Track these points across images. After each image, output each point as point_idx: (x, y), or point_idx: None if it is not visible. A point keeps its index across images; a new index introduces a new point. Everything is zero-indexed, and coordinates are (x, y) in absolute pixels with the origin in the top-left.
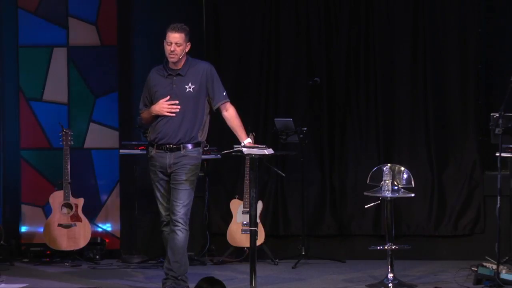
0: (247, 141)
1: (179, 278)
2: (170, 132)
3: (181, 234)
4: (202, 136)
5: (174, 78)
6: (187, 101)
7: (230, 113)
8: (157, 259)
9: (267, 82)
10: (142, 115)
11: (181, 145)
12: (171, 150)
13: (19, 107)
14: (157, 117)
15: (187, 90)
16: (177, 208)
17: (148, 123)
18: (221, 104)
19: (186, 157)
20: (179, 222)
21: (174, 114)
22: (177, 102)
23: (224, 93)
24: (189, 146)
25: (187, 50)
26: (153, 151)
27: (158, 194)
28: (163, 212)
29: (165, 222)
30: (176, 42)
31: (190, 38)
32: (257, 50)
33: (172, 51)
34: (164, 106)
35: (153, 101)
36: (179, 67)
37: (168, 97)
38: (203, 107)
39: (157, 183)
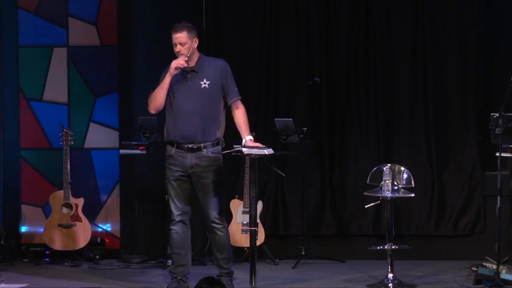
0: (249, 137)
1: (185, 275)
2: (190, 133)
3: (220, 233)
4: (220, 132)
5: (189, 75)
6: (203, 96)
7: (240, 111)
8: (157, 259)
9: (267, 82)
10: (152, 95)
11: (202, 145)
12: (192, 150)
13: (19, 107)
14: (173, 112)
15: (202, 86)
16: (210, 211)
17: (158, 104)
18: (234, 102)
19: (208, 159)
20: (216, 223)
21: (182, 66)
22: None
23: (236, 89)
24: (210, 145)
25: (195, 46)
26: (172, 150)
27: (172, 193)
28: (175, 211)
29: (175, 221)
30: (180, 42)
31: (197, 33)
32: (257, 50)
33: (178, 52)
34: (173, 65)
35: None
36: (192, 64)
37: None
38: (219, 102)
39: (173, 181)
